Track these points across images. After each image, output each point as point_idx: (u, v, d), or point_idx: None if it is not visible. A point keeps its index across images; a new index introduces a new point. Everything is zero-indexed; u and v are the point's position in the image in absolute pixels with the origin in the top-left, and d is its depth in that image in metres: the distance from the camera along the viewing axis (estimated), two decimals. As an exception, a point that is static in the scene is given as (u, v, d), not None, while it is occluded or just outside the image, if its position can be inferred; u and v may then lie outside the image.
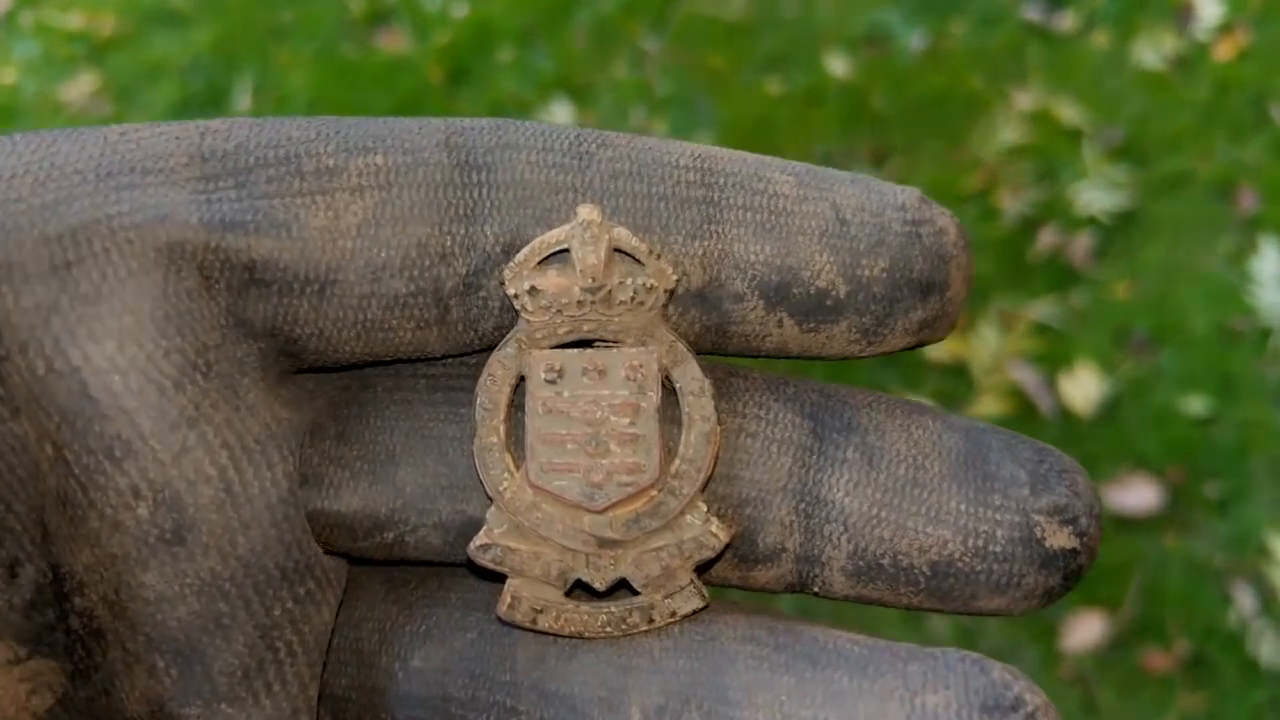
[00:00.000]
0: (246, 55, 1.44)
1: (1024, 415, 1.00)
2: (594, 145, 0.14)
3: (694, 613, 0.14)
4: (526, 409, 0.14)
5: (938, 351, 1.05)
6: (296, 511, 0.14)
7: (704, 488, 0.14)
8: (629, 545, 0.14)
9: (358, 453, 0.15)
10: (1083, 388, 1.00)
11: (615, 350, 0.14)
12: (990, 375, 1.03)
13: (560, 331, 0.14)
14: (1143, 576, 0.91)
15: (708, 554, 0.14)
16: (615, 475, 0.14)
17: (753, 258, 0.14)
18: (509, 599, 0.14)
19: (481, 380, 0.14)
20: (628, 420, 0.14)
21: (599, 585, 0.14)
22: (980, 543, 0.14)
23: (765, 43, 1.32)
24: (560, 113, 1.29)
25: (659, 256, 0.14)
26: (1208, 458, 0.96)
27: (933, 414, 0.15)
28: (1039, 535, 0.14)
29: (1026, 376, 1.02)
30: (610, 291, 0.14)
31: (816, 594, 0.14)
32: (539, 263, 0.14)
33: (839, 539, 0.14)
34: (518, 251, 0.14)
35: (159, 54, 1.46)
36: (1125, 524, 0.94)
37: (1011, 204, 1.14)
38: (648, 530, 0.14)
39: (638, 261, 0.14)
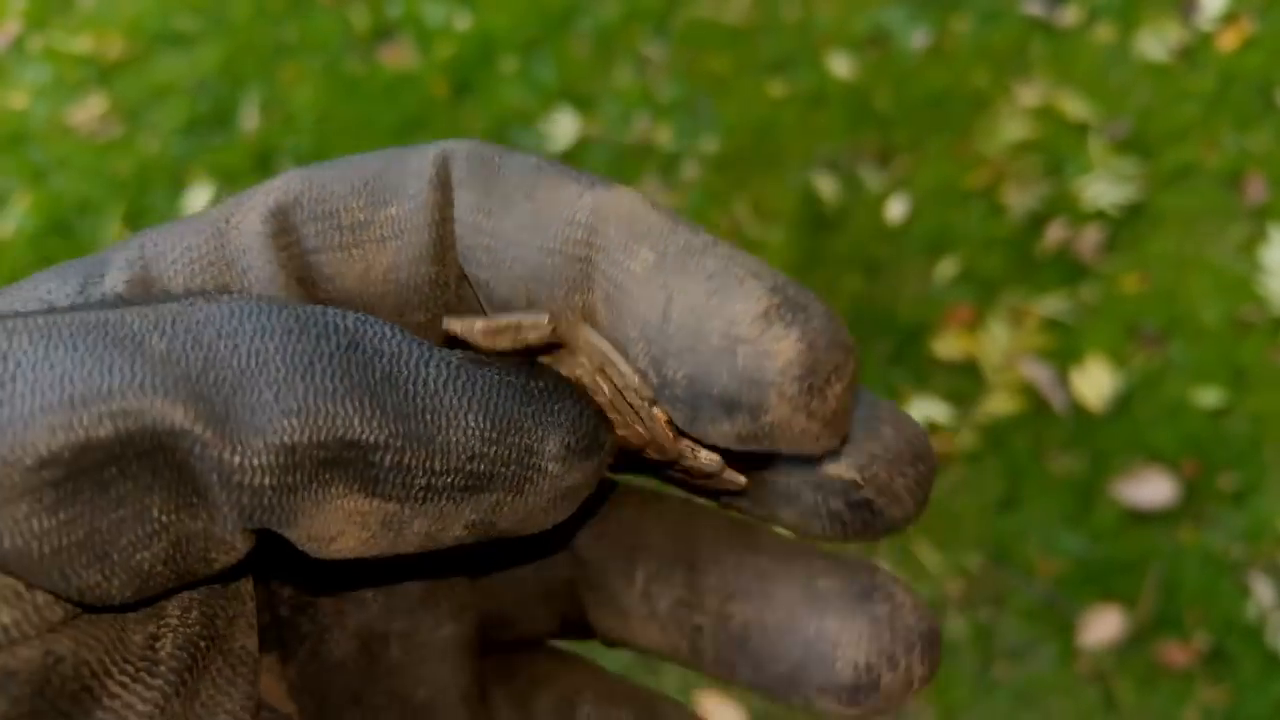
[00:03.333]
0: (252, 73, 1.45)
1: (1036, 411, 0.99)
2: (508, 190, 0.15)
3: (737, 490, 0.16)
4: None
5: (947, 349, 1.04)
6: None
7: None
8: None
9: None
10: (1094, 382, 1.00)
11: (555, 356, 0.16)
12: (1001, 372, 1.02)
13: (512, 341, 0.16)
14: (1159, 571, 0.90)
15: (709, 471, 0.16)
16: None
17: (600, 324, 0.15)
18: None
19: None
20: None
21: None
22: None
23: (767, 45, 1.32)
24: (564, 122, 1.30)
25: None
26: (1221, 449, 0.95)
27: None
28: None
29: (1038, 373, 1.01)
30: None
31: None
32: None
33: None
34: None
35: (166, 75, 1.47)
36: (1141, 518, 0.93)
37: (1018, 200, 1.14)
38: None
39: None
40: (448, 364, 0.13)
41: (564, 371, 0.15)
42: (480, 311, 0.15)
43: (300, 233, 0.15)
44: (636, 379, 0.14)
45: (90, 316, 0.13)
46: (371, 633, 0.17)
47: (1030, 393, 1.01)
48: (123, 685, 0.13)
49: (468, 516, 0.13)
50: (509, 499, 0.13)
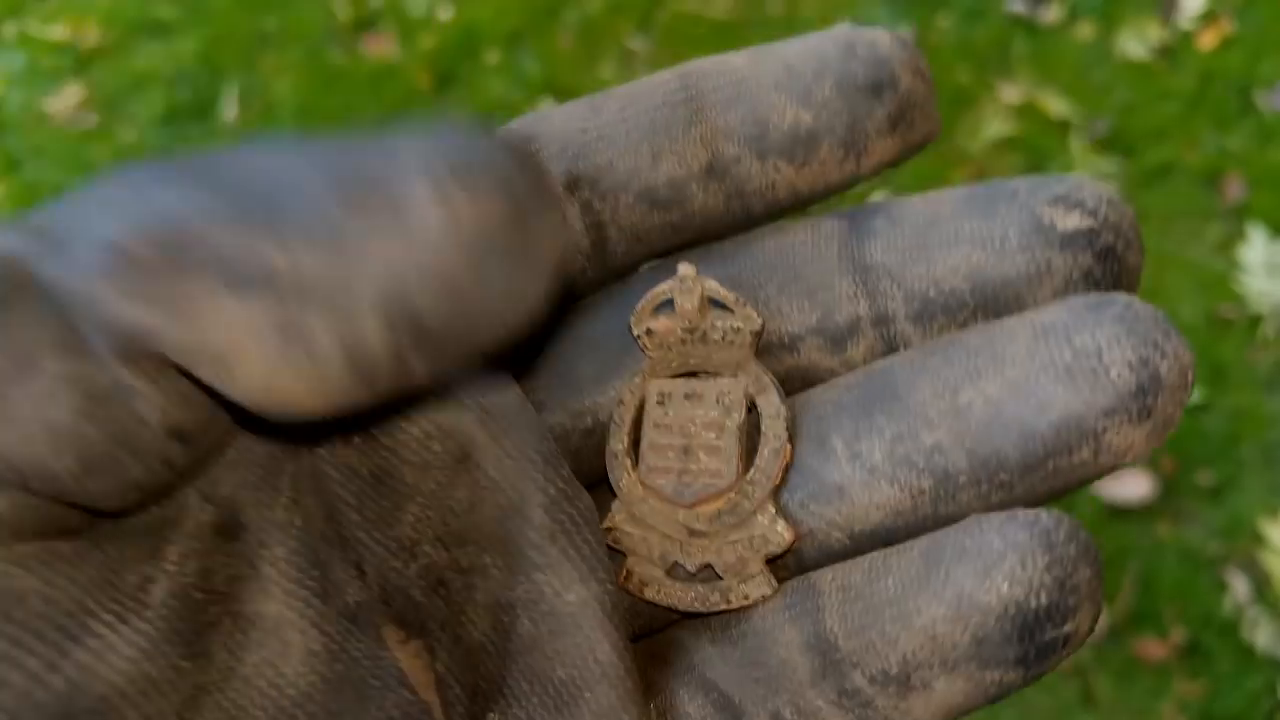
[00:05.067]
0: (232, 64, 1.43)
1: (1017, 408, 1.00)
2: (602, 98, 0.17)
3: (762, 598, 0.17)
4: (644, 425, 0.18)
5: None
6: (534, 415, 0.17)
7: (774, 495, 0.17)
8: (712, 537, 0.17)
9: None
10: (1074, 379, 1.01)
11: (711, 379, 0.17)
12: (982, 369, 1.03)
13: (672, 365, 0.18)
14: (1138, 566, 0.91)
15: (774, 549, 0.16)
16: (701, 478, 0.17)
17: (733, 124, 0.17)
18: (624, 572, 0.18)
19: (617, 403, 0.18)
20: (714, 435, 0.17)
21: (690, 567, 0.17)
22: (997, 245, 0.15)
23: (752, 41, 1.32)
24: (548, 115, 1.29)
25: (745, 304, 0.17)
26: (1200, 446, 0.96)
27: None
28: (1047, 222, 0.15)
29: (1018, 369, 1.02)
30: (704, 332, 0.17)
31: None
32: (653, 310, 0.17)
33: (892, 290, 0.16)
34: (575, 182, 0.17)
35: (144, 64, 1.45)
36: (1119, 514, 0.94)
37: (1000, 197, 1.14)
38: (727, 525, 0.17)
39: (727, 308, 0.17)
40: (285, 143, 0.11)
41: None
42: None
43: None
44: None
45: None
46: (498, 603, 0.16)
47: (1011, 389, 1.02)
48: (108, 625, 0.13)
49: (366, 299, 0.11)
50: (396, 255, 0.11)
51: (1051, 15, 1.28)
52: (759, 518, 0.16)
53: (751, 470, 0.17)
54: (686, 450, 0.17)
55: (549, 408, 0.18)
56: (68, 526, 0.12)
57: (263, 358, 0.11)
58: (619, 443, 0.18)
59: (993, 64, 1.25)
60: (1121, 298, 0.15)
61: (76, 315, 0.11)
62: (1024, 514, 0.15)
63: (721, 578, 0.17)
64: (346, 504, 0.15)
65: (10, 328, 0.11)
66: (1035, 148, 1.17)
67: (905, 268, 0.16)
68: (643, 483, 0.17)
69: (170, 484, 0.13)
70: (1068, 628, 0.15)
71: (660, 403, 0.17)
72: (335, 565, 0.15)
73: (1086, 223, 0.15)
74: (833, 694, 0.15)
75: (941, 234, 0.16)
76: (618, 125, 0.17)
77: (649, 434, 0.17)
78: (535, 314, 0.12)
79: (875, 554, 0.15)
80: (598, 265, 0.18)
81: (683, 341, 0.17)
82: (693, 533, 0.17)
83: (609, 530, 0.18)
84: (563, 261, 0.12)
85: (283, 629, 0.15)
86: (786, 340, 0.17)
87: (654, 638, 0.17)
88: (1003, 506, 0.15)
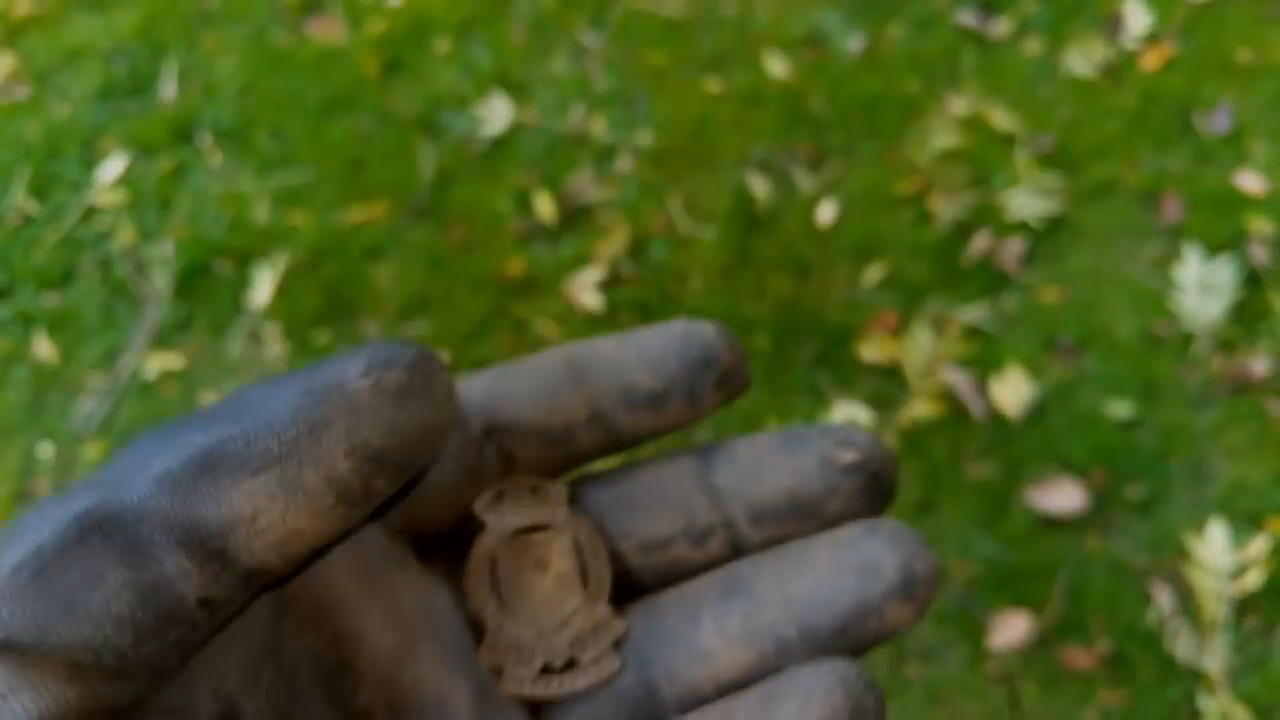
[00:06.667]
0: (173, 40, 1.39)
1: (956, 417, 1.01)
2: (508, 367, 0.23)
3: (615, 672, 0.22)
4: (499, 573, 0.23)
5: (872, 353, 1.06)
6: (460, 612, 0.23)
7: (608, 599, 0.22)
8: (569, 639, 0.22)
9: None
10: (1013, 391, 1.02)
11: (545, 534, 0.23)
12: (924, 378, 1.04)
13: (514, 524, 0.23)
14: (1067, 576, 0.93)
15: (614, 635, 0.22)
16: (554, 601, 0.22)
17: (607, 387, 0.23)
18: (504, 679, 0.22)
19: (472, 560, 0.23)
20: (555, 571, 0.23)
21: (557, 664, 0.22)
22: (802, 474, 0.23)
23: (705, 42, 1.32)
24: (498, 108, 1.27)
25: (555, 484, 0.23)
26: (1130, 461, 0.98)
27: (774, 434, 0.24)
28: (832, 458, 0.22)
29: (958, 379, 1.03)
30: (529, 501, 0.23)
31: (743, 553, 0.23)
32: (493, 498, 0.23)
33: (736, 503, 0.23)
34: (491, 429, 0.23)
35: (80, 37, 1.41)
36: (1051, 525, 0.96)
37: (945, 208, 1.15)
38: (578, 628, 0.22)
39: (543, 488, 0.23)
40: (268, 379, 0.18)
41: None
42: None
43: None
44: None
45: None
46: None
47: (950, 399, 1.02)
48: None
49: (335, 448, 0.17)
50: (354, 422, 0.17)
51: (1001, 29, 1.29)
52: (601, 614, 0.22)
53: (589, 586, 0.22)
54: (537, 586, 0.22)
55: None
56: (117, 706, 0.16)
57: (277, 508, 0.17)
58: (481, 589, 0.22)
59: (942, 75, 1.26)
60: (890, 522, 0.21)
61: (141, 526, 0.16)
62: (828, 664, 0.20)
63: (580, 663, 0.22)
64: (310, 688, 0.20)
65: (84, 556, 0.16)
66: (981, 160, 1.19)
67: (743, 488, 0.23)
68: (508, 614, 0.22)
69: (198, 644, 0.17)
70: None
71: (509, 555, 0.23)
72: None
73: (859, 457, 0.22)
74: None
75: (765, 466, 0.23)
76: (523, 389, 0.23)
77: (506, 578, 0.22)
78: (442, 440, 0.18)
79: (731, 697, 0.21)
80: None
81: (514, 511, 0.23)
82: (553, 641, 0.22)
83: (488, 648, 0.22)
84: (453, 405, 0.18)
85: None
86: (661, 540, 0.23)
87: None
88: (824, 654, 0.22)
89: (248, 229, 1.20)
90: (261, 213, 1.21)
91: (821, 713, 0.19)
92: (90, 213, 1.25)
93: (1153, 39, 1.27)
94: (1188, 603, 0.91)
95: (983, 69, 1.26)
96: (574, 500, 0.24)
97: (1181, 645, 0.89)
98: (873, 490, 0.22)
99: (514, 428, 0.23)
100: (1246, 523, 0.94)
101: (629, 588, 0.23)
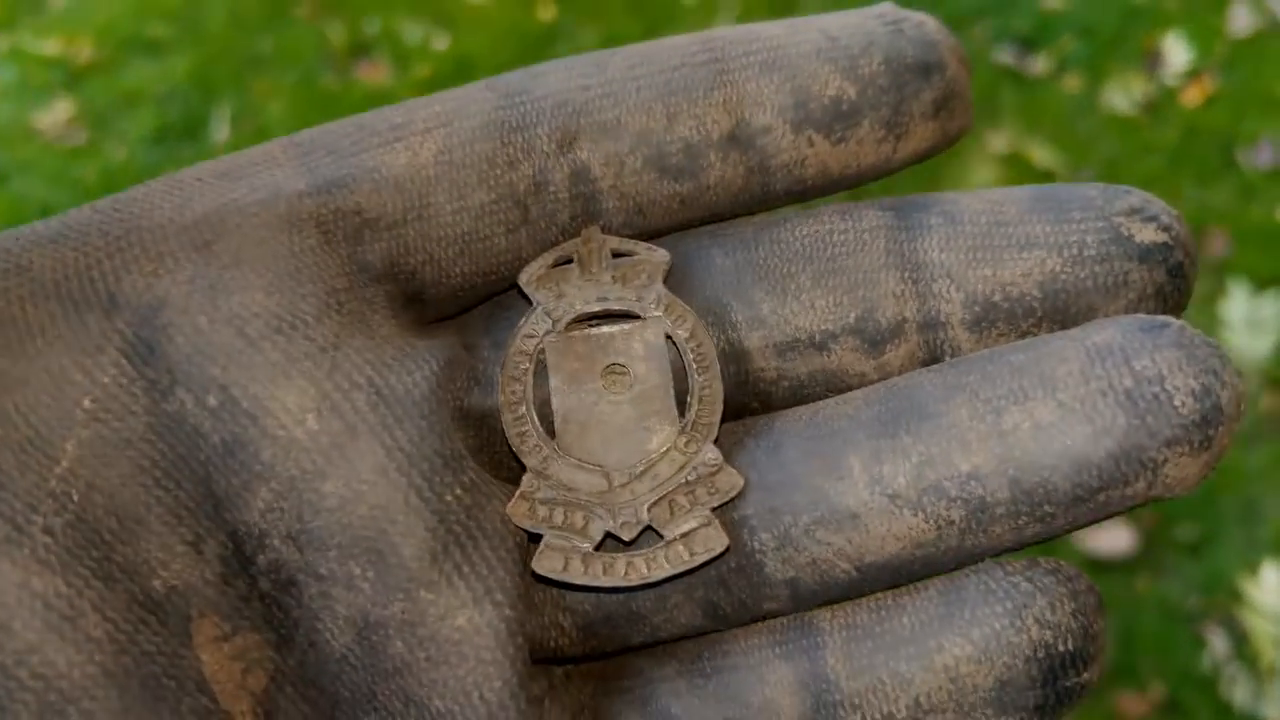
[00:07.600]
0: (224, 85, 1.43)
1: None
2: (607, 55, 0.16)
3: (715, 556, 0.14)
4: (551, 384, 0.15)
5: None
6: (443, 406, 0.15)
7: (715, 437, 0.15)
8: (650, 495, 0.15)
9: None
10: (1057, 429, 1.01)
11: (625, 325, 0.16)
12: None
13: (575, 307, 0.16)
14: (1117, 620, 0.92)
15: (721, 498, 0.15)
16: (633, 434, 0.15)
17: (766, 90, 0.16)
18: (541, 550, 0.15)
19: (508, 357, 0.16)
20: (637, 387, 0.15)
21: (626, 536, 0.15)
22: (1075, 251, 0.14)
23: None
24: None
25: (651, 248, 0.16)
26: (1180, 501, 0.97)
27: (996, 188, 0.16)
28: (1126, 233, 0.15)
29: (1002, 417, 1.03)
30: (608, 273, 0.16)
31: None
32: (550, 265, 0.16)
33: (949, 292, 0.15)
34: (571, 142, 0.16)
35: (136, 82, 1.45)
36: (1099, 568, 0.95)
37: (987, 245, 1.15)
38: (666, 479, 0.15)
39: (633, 254, 0.16)
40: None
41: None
42: (561, 192, 0.16)
43: (334, 146, 0.16)
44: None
45: None
46: (366, 620, 0.14)
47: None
48: None
49: None
50: None
51: (1040, 66, 1.30)
52: (705, 463, 0.15)
53: (690, 414, 0.15)
54: (612, 403, 0.15)
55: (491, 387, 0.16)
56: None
57: None
58: (519, 405, 0.15)
59: (981, 113, 1.26)
60: (1175, 322, 0.14)
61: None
62: (1045, 561, 0.15)
63: (663, 537, 0.15)
64: (203, 465, 0.14)
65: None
66: (1022, 197, 1.19)
67: (968, 269, 0.15)
68: (560, 449, 0.15)
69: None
70: (1085, 675, 0.14)
71: (566, 356, 0.15)
72: (147, 540, 0.14)
73: (1163, 237, 0.15)
74: None
75: (1011, 236, 0.15)
76: (627, 82, 0.16)
77: (561, 393, 0.15)
78: None
79: (881, 594, 0.15)
80: None
81: (579, 288, 0.16)
82: (625, 496, 0.15)
83: (522, 499, 0.15)
84: None
85: (53, 611, 0.14)
86: (817, 338, 0.15)
87: (607, 661, 0.16)
88: (1037, 541, 0.15)
89: (297, 268, 1.23)
90: (310, 252, 1.24)
91: (1042, 632, 0.14)
92: (145, 253, 1.28)
93: (1193, 74, 1.27)
94: (1243, 647, 0.89)
95: (1022, 106, 1.26)
96: (677, 274, 0.16)
97: (1239, 691, 0.87)
98: (1169, 292, 0.15)
99: (607, 141, 0.16)
100: (1301, 564, 0.93)
101: (751, 409, 0.16)
